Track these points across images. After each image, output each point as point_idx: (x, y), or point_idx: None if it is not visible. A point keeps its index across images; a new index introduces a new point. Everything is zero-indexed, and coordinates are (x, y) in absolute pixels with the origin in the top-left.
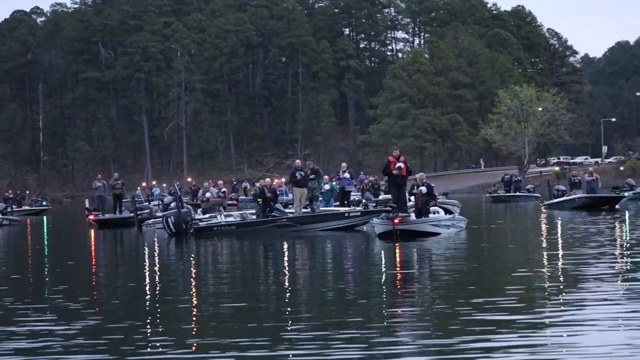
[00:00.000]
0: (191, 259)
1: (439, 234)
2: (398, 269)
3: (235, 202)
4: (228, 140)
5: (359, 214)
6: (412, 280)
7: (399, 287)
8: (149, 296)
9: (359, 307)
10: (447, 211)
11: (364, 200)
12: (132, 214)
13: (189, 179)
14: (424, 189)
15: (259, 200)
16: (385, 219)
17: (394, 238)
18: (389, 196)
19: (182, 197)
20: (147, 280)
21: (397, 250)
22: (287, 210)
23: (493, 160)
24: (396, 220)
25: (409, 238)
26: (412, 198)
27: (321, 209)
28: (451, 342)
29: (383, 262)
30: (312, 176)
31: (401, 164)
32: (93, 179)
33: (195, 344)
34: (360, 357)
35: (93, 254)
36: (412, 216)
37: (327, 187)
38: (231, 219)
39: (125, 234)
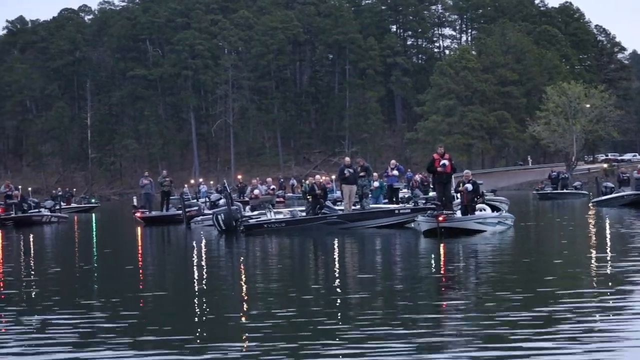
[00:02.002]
0: (241, 257)
1: (484, 231)
2: (442, 267)
3: (282, 199)
4: (275, 137)
5: (409, 211)
6: (453, 278)
7: (437, 285)
8: (203, 293)
9: (403, 304)
10: (494, 208)
11: (413, 198)
12: (179, 212)
13: (239, 176)
14: (469, 187)
15: (308, 197)
16: (430, 216)
17: (438, 235)
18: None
19: (231, 194)
20: (203, 278)
21: (441, 248)
22: (336, 208)
23: (541, 157)
24: (440, 218)
25: (453, 235)
26: (459, 195)
27: (371, 206)
28: (495, 345)
29: (425, 260)
30: (361, 173)
31: (446, 161)
32: (140, 176)
33: (245, 341)
34: (411, 354)
35: (140, 251)
36: (458, 213)
37: (376, 184)
38: (281, 216)
39: (172, 231)
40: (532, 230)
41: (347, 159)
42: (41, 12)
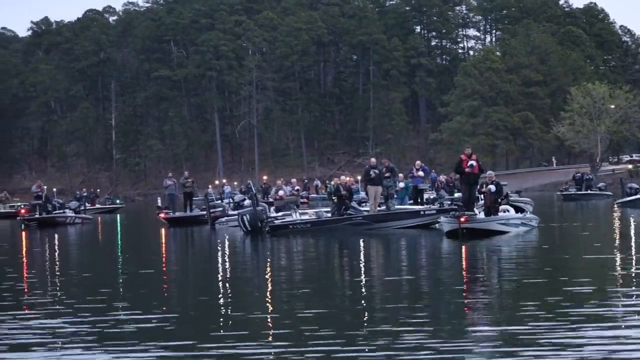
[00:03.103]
0: (267, 258)
1: (507, 232)
2: (464, 267)
3: (306, 200)
4: (299, 138)
5: (434, 212)
6: (474, 279)
7: (458, 286)
8: (232, 293)
9: (424, 304)
10: (519, 209)
11: (439, 199)
12: (202, 212)
13: (265, 177)
14: (492, 187)
15: (333, 198)
16: (452, 217)
17: (459, 236)
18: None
19: (256, 195)
20: (232, 278)
21: (463, 249)
22: (362, 208)
23: (565, 158)
24: (462, 219)
25: (476, 236)
26: (482, 196)
27: (396, 206)
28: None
29: (445, 261)
30: (387, 174)
31: (473, 162)
32: (165, 177)
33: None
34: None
35: (165, 252)
36: (481, 214)
37: (402, 185)
38: (306, 217)
39: (196, 232)
40: (556, 232)
41: (373, 159)
42: (66, 14)
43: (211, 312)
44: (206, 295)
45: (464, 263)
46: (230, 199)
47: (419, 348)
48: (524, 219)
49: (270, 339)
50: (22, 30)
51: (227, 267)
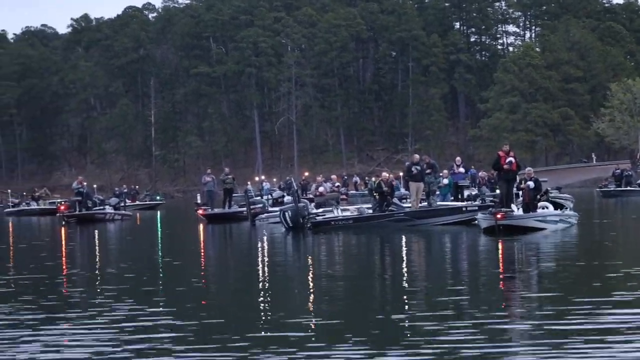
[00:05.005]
0: (308, 256)
1: (544, 229)
2: (501, 266)
3: (345, 196)
4: (338, 134)
5: (476, 208)
6: (510, 277)
7: (494, 283)
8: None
9: (459, 303)
10: (558, 206)
11: (480, 195)
12: (241, 209)
13: (306, 174)
14: (531, 184)
15: (375, 194)
16: (489, 214)
17: (496, 233)
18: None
19: (298, 191)
20: (278, 276)
21: (500, 246)
22: (404, 205)
23: (605, 154)
24: (498, 216)
25: (513, 233)
26: (521, 193)
27: (438, 203)
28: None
29: (481, 258)
30: (428, 171)
31: (512, 159)
32: (204, 173)
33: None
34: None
35: (202, 248)
36: (519, 211)
37: (445, 181)
38: (348, 213)
39: (236, 229)
40: (596, 229)
41: (416, 156)
42: (105, 10)
43: (253, 313)
44: (249, 294)
45: (500, 259)
46: (269, 196)
47: (460, 349)
48: (563, 216)
49: (312, 338)
50: (62, 28)
51: (274, 264)
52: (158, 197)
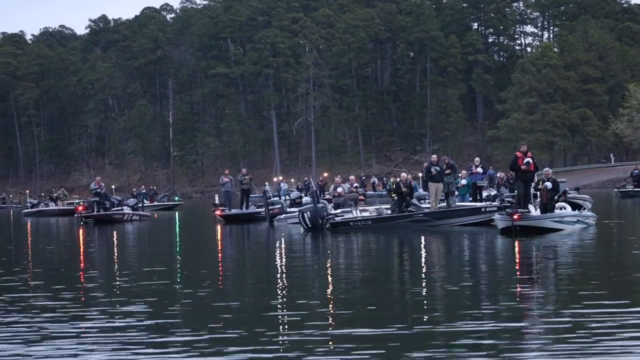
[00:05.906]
0: (328, 253)
1: (561, 230)
2: (517, 266)
3: (362, 197)
4: (356, 135)
5: (495, 209)
6: (526, 279)
7: (510, 284)
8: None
9: (475, 304)
10: (576, 206)
11: (499, 196)
12: (259, 210)
13: (325, 174)
14: (549, 185)
15: (393, 195)
16: (506, 214)
17: (513, 234)
18: None
19: (317, 191)
20: (300, 277)
21: (516, 246)
22: (423, 205)
23: (623, 154)
24: (515, 216)
25: (530, 234)
26: (538, 193)
27: (457, 203)
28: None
29: (497, 259)
30: (447, 171)
31: (529, 159)
32: (222, 174)
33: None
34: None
35: (219, 248)
36: (537, 211)
37: (464, 182)
38: (367, 213)
39: (254, 229)
40: (614, 230)
41: (435, 156)
42: (123, 11)
43: (269, 314)
44: (268, 294)
45: (515, 261)
46: (287, 196)
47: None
48: (580, 217)
49: (329, 339)
50: (80, 29)
51: (296, 264)
52: (176, 198)
